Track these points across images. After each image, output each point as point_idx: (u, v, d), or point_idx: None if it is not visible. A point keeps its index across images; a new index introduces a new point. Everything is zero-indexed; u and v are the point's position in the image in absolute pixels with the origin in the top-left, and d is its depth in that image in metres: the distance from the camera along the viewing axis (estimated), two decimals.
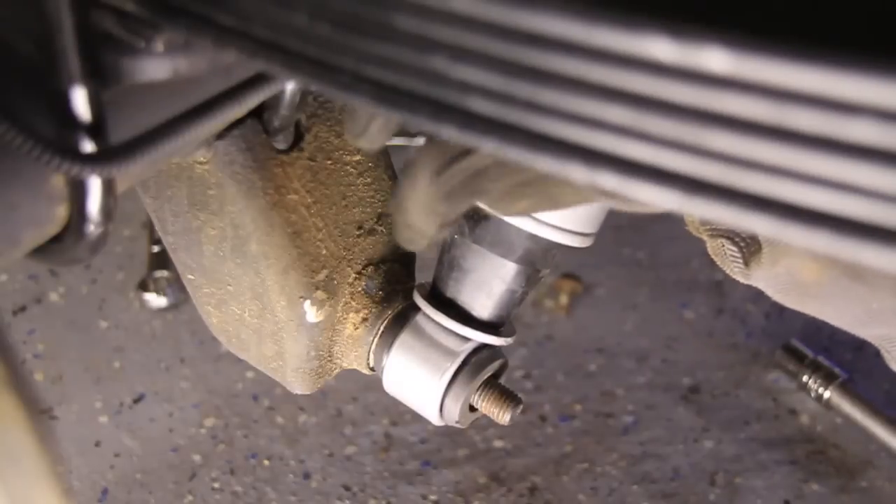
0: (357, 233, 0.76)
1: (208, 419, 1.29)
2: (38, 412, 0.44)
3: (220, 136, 0.67)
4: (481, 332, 0.75)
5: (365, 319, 0.77)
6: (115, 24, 0.50)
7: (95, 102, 0.49)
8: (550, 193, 0.56)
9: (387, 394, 0.79)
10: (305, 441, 1.26)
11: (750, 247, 0.65)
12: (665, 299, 1.45)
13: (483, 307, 0.75)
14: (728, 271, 0.66)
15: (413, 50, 0.37)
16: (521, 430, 1.27)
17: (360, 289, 0.77)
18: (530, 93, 0.35)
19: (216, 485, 1.22)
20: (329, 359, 0.79)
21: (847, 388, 1.27)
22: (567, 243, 0.72)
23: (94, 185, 0.51)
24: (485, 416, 0.77)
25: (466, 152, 0.54)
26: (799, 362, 1.30)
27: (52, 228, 0.53)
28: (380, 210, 0.78)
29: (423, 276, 0.83)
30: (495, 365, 0.77)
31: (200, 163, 0.69)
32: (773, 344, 1.35)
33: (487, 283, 0.74)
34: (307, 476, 1.23)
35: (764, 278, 0.67)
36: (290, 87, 0.66)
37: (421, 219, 0.59)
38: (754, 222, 0.33)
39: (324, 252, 0.74)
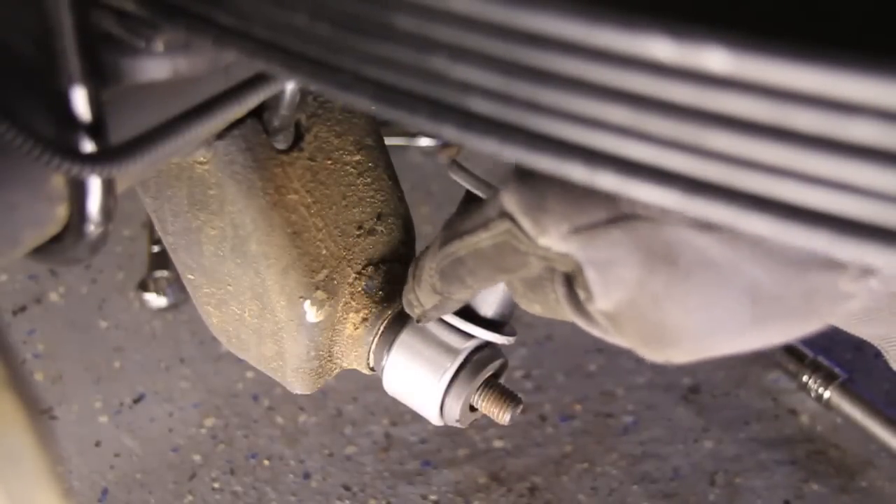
0: (357, 233, 0.76)
1: (208, 419, 1.29)
2: (38, 412, 0.44)
3: (220, 136, 0.67)
4: (485, 330, 0.75)
5: (365, 319, 0.77)
6: (115, 24, 0.50)
7: (95, 102, 0.49)
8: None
9: (387, 394, 0.79)
10: (305, 441, 1.26)
11: None
12: None
13: (487, 304, 0.75)
14: None
15: (413, 50, 0.37)
16: (521, 430, 1.27)
17: (360, 289, 0.77)
18: (530, 93, 0.35)
19: (216, 485, 1.22)
20: (329, 359, 0.79)
21: (847, 388, 1.27)
22: None
23: (94, 185, 0.51)
24: (485, 416, 0.77)
25: (460, 235, 0.61)
26: (799, 362, 1.30)
27: (52, 228, 0.53)
28: (380, 210, 0.78)
29: None
30: (496, 364, 0.77)
31: (200, 163, 0.69)
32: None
33: None
34: (307, 476, 1.23)
35: None
36: (290, 87, 0.66)
37: (423, 290, 0.68)
38: (754, 222, 0.33)
39: (324, 252, 0.74)
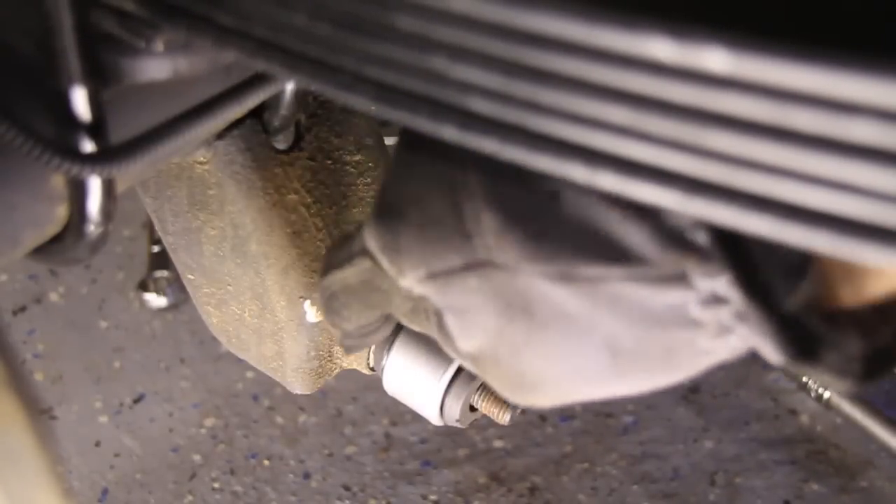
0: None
1: (208, 419, 1.29)
2: (38, 412, 0.44)
3: (220, 136, 0.67)
4: None
5: None
6: (115, 24, 0.50)
7: (95, 102, 0.49)
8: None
9: (387, 394, 0.79)
10: (305, 441, 1.27)
11: None
12: None
13: None
14: None
15: (413, 50, 0.37)
16: (521, 430, 1.27)
17: None
18: (530, 93, 0.35)
19: (216, 485, 1.22)
20: (329, 359, 0.78)
21: None
22: None
23: (94, 185, 0.51)
24: (485, 416, 0.77)
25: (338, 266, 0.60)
26: None
27: (52, 228, 0.53)
28: None
29: None
30: None
31: (200, 163, 0.69)
32: None
33: None
34: (307, 476, 1.23)
35: None
36: (290, 87, 0.66)
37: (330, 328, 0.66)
38: (754, 222, 0.33)
39: (324, 252, 0.74)
